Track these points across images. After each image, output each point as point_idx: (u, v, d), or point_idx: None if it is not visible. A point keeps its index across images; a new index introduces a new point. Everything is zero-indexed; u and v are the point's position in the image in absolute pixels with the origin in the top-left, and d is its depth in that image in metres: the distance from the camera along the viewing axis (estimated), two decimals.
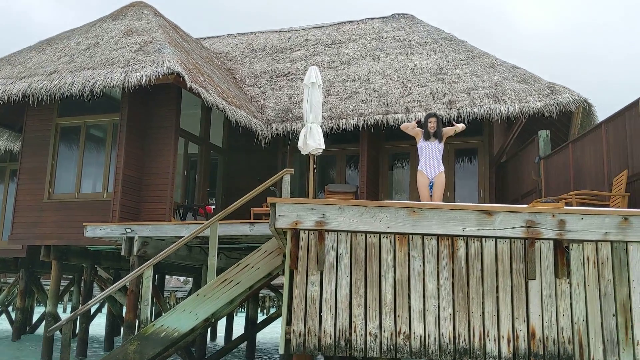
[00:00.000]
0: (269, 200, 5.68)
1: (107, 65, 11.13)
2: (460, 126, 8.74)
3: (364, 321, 5.52)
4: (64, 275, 16.14)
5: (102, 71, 10.93)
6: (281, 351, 5.48)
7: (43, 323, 17.23)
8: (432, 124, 8.58)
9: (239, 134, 13.15)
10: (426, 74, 13.64)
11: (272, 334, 21.13)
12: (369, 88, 13.63)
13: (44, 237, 12.06)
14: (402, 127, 8.93)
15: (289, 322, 5.49)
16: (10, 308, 20.95)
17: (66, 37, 13.11)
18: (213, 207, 13.71)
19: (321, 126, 10.74)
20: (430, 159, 8.55)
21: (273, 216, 5.61)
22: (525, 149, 12.41)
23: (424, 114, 11.06)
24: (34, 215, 12.16)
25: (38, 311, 21.03)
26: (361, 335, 5.50)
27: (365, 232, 5.70)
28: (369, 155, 13.35)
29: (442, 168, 8.62)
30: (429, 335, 5.50)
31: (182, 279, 76.13)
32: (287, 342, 5.44)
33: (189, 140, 13.12)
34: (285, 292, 5.61)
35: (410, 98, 12.86)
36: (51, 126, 12.36)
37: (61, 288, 16.89)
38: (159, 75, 10.56)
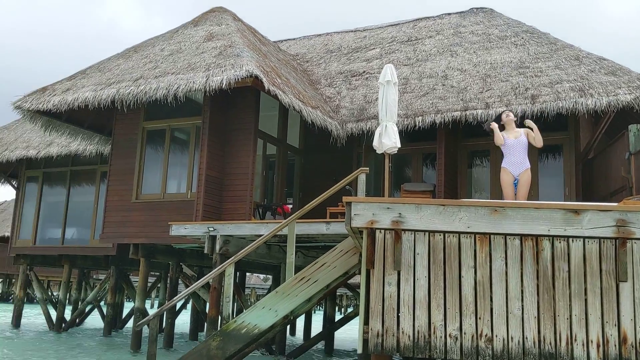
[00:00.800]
0: (345, 199, 5.69)
1: (189, 70, 11.53)
2: (530, 125, 8.49)
3: (443, 323, 5.42)
4: (151, 273, 16.92)
5: (185, 76, 11.34)
6: (359, 350, 5.48)
7: (132, 318, 18.12)
8: (506, 114, 8.36)
9: (315, 134, 13.27)
10: (507, 68, 13.21)
11: (350, 333, 21.16)
12: (447, 84, 13.37)
13: (132, 236, 12.66)
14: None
15: (366, 322, 5.48)
16: (102, 303, 22.15)
17: (151, 44, 13.70)
18: (290, 206, 13.92)
19: (397, 124, 10.64)
20: (516, 155, 8.29)
21: (349, 215, 5.62)
22: (614, 144, 11.74)
23: (504, 110, 10.72)
24: (122, 215, 12.80)
25: (127, 306, 22.09)
26: (441, 337, 5.40)
27: (444, 232, 5.60)
28: (447, 153, 13.09)
29: (529, 165, 8.34)
30: (512, 338, 5.32)
31: (262, 276, 77.72)
32: (365, 341, 5.43)
33: (267, 142, 13.37)
34: (362, 291, 5.60)
35: (490, 93, 12.50)
36: (138, 130, 12.96)
37: (148, 285, 17.69)
38: (238, 79, 10.83)
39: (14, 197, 19.48)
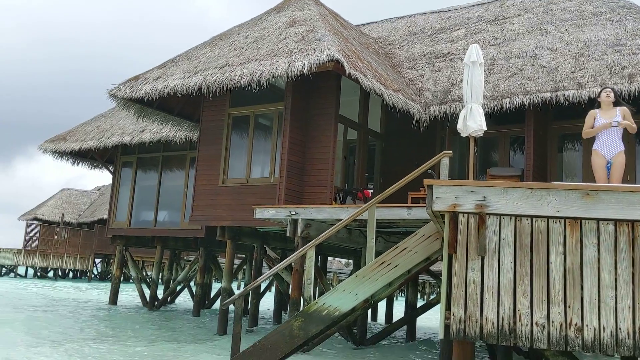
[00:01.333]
0: (426, 182, 5.59)
1: (272, 56, 11.71)
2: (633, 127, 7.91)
3: (529, 310, 5.23)
4: (237, 255, 17.48)
5: (268, 62, 11.53)
6: (441, 336, 5.41)
7: (219, 298, 18.82)
8: (607, 94, 7.85)
9: (396, 118, 13.11)
10: (601, 46, 12.44)
11: (432, 320, 20.92)
12: (536, 64, 12.79)
13: (219, 219, 13.11)
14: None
15: (448, 308, 5.39)
16: (191, 283, 23.15)
17: (235, 32, 14.02)
18: (371, 191, 13.88)
19: (482, 106, 10.31)
20: (609, 136, 7.81)
21: (430, 199, 5.52)
22: None
23: (598, 90, 10.12)
24: (210, 199, 13.27)
25: (215, 287, 22.97)
26: (527, 324, 5.22)
27: (532, 216, 5.38)
28: (536, 136, 12.54)
29: (622, 147, 7.83)
30: (604, 328, 5.06)
31: (343, 261, 78.24)
32: (447, 327, 5.35)
33: (348, 126, 13.37)
34: (444, 276, 5.51)
35: (583, 73, 11.84)
36: (224, 116, 13.34)
37: (235, 266, 18.29)
38: (319, 63, 10.87)
39: (111, 181, 20.65)
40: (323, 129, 12.22)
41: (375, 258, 8.01)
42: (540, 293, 5.24)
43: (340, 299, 7.59)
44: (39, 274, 43.75)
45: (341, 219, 9.45)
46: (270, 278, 16.31)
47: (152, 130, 17.33)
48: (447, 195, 5.49)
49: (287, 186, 11.91)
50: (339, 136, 12.71)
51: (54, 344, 10.33)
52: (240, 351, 7.79)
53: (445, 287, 5.47)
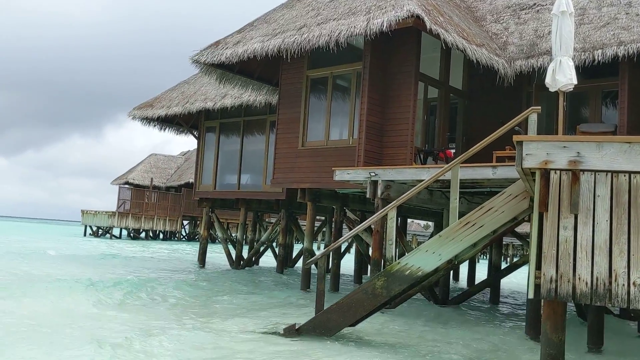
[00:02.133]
0: (515, 138, 5.38)
1: (350, 15, 11.53)
2: None
3: (626, 270, 4.99)
4: (317, 217, 17.69)
5: (346, 21, 11.37)
6: (530, 296, 5.28)
7: (301, 258, 19.25)
8: None
9: (479, 74, 12.66)
10: None
11: (515, 282, 20.48)
12: (631, 12, 11.88)
13: (300, 181, 13.29)
14: None
15: (538, 267, 5.23)
16: (274, 244, 23.78)
17: None
18: (453, 151, 13.57)
19: (572, 59, 9.73)
20: None
21: (519, 155, 5.32)
22: None
23: None
24: (290, 162, 13.45)
25: (296, 248, 23.48)
26: (623, 285, 4.99)
27: (629, 172, 5.08)
28: (631, 90, 11.75)
29: None
30: None
31: (422, 223, 77.64)
32: (537, 287, 5.20)
33: (429, 85, 13.05)
34: (534, 236, 5.33)
35: None
36: (302, 78, 13.37)
37: (315, 228, 18.57)
38: (399, 20, 10.60)
39: (195, 146, 21.37)
40: (403, 88, 11.99)
41: (458, 219, 7.88)
42: (638, 252, 4.98)
43: (424, 259, 7.55)
44: (131, 235, 46.40)
45: (422, 180, 9.32)
46: (350, 239, 16.46)
47: (233, 95, 17.67)
48: (538, 151, 5.26)
49: (366, 147, 11.86)
50: (419, 95, 12.44)
51: (153, 300, 10.96)
52: (324, 308, 7.96)
53: (535, 247, 5.30)
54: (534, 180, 5.46)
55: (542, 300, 5.39)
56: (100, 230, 46.08)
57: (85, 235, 46.36)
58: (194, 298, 11.55)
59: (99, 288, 11.52)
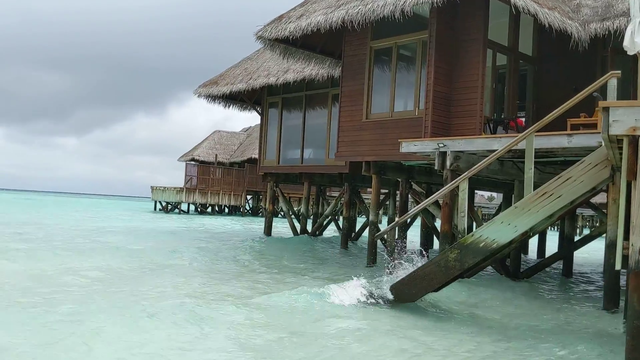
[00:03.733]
0: (601, 104, 5.13)
1: None
2: None
3: None
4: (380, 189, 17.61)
5: None
6: (617, 267, 5.09)
7: (365, 231, 19.28)
8: None
9: (551, 39, 12.10)
10: None
11: (587, 254, 19.81)
12: None
13: (364, 154, 13.22)
14: None
15: (626, 238, 5.01)
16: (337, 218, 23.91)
17: None
18: (523, 119, 13.13)
19: None
20: None
21: (606, 122, 5.06)
22: None
23: None
24: (354, 134, 13.38)
25: (359, 221, 23.53)
26: None
27: None
28: None
29: None
30: None
31: (486, 195, 76.06)
32: (625, 258, 5.00)
33: (497, 52, 12.60)
34: (621, 205, 5.11)
35: None
36: (366, 50, 13.20)
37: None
38: None
39: (257, 122, 21.62)
40: (470, 55, 11.65)
41: (532, 189, 7.65)
42: None
43: (498, 231, 7.39)
44: (199, 209, 47.76)
45: (493, 150, 9.08)
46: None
47: (296, 69, 17.68)
48: (625, 117, 4.99)
49: (433, 118, 11.65)
50: (487, 62, 12.05)
51: (228, 267, 11.28)
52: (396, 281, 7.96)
53: (622, 216, 5.08)
54: (620, 148, 5.20)
55: (628, 272, 5.17)
56: (169, 205, 47.64)
57: (155, 210, 48.05)
58: (266, 267, 11.81)
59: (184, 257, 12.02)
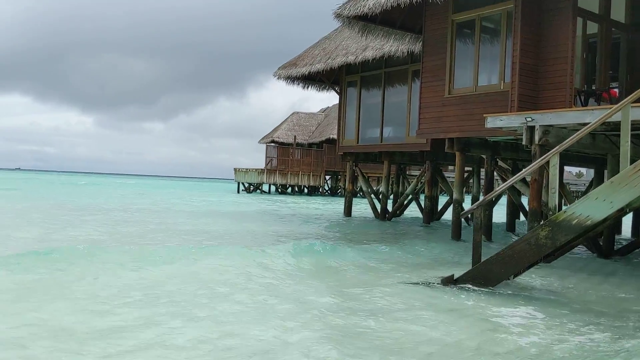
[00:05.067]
0: None
1: None
2: None
3: None
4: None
5: None
6: None
7: (448, 209, 18.98)
8: None
9: None
10: None
11: None
12: None
13: (447, 131, 12.98)
14: None
15: None
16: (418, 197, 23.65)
17: None
18: (617, 90, 12.41)
19: None
20: None
21: None
22: None
23: None
24: (436, 111, 13.15)
25: (441, 200, 23.16)
26: None
27: None
28: None
29: None
30: None
31: (574, 171, 72.66)
32: None
33: (587, 20, 11.94)
34: None
35: None
36: (447, 23, 12.88)
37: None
38: None
39: (335, 102, 21.65)
40: (559, 25, 11.11)
41: (629, 164, 7.25)
42: None
43: (593, 207, 7.08)
44: (279, 190, 48.71)
45: (585, 124, 8.66)
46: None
47: (374, 47, 17.53)
48: None
49: (520, 91, 11.24)
50: (577, 31, 11.45)
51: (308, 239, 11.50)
52: (482, 260, 7.81)
53: None
54: None
55: None
56: (251, 186, 48.85)
57: (238, 191, 49.43)
58: (348, 242, 11.92)
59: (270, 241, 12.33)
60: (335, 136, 21.74)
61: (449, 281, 7.80)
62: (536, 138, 9.66)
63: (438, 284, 7.89)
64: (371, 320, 5.85)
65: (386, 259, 10.21)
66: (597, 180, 14.86)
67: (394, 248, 11.51)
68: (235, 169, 49.03)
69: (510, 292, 7.53)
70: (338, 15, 13.65)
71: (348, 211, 20.77)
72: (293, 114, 53.07)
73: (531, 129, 9.77)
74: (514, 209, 16.21)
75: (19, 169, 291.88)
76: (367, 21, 14.21)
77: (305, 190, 50.25)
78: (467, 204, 16.53)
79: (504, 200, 17.95)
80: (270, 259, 9.16)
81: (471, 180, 20.53)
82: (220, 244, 11.35)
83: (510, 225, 16.07)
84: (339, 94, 20.49)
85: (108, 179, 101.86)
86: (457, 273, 7.91)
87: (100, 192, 40.78)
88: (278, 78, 20.99)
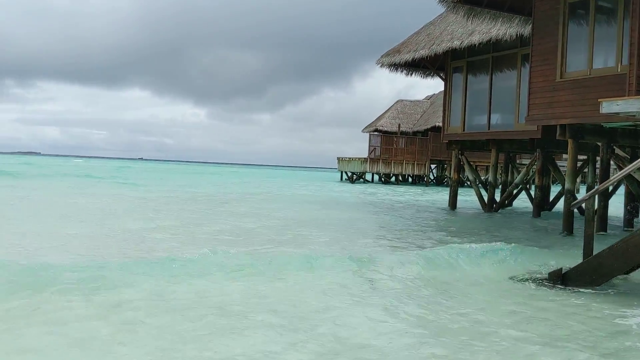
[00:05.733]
0: None
1: None
2: None
3: None
4: (577, 156, 16.23)
5: None
6: None
7: (560, 200, 18.02)
8: None
9: None
10: None
11: None
12: None
13: (559, 117, 12.31)
14: None
15: None
16: (528, 186, 22.64)
17: None
18: None
19: None
20: None
21: None
22: None
23: None
24: (547, 96, 12.50)
25: (553, 190, 22.03)
26: None
27: None
28: None
29: None
30: None
31: None
32: None
33: None
34: None
35: None
36: (559, 3, 12.17)
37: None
38: None
39: (441, 89, 21.16)
40: None
41: None
42: None
43: None
44: (382, 179, 48.58)
45: None
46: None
47: (481, 31, 16.92)
48: None
49: (639, 74, 10.40)
50: None
51: (407, 238, 11.44)
52: (594, 253, 7.37)
53: None
54: None
55: None
56: (354, 175, 49.14)
57: (342, 180, 49.94)
58: (446, 237, 11.71)
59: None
60: (441, 124, 21.26)
61: (556, 275, 7.44)
62: None
63: (545, 278, 7.54)
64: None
65: (488, 252, 9.89)
66: None
67: (495, 241, 11.11)
68: (338, 159, 49.49)
69: (623, 290, 7.05)
70: (442, 1, 13.33)
71: (453, 203, 20.25)
72: (397, 101, 52.57)
73: None
74: (632, 201, 15.08)
75: (142, 159, 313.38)
76: (472, 4, 13.76)
77: (410, 179, 49.74)
78: (582, 195, 15.58)
79: (622, 191, 16.72)
80: (387, 270, 8.46)
81: (586, 169, 19.33)
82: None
83: (629, 219, 14.96)
84: (444, 80, 20.03)
85: (224, 169, 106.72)
86: (567, 267, 7.52)
87: (223, 181, 42.98)
88: (381, 66, 20.87)
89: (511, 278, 7.74)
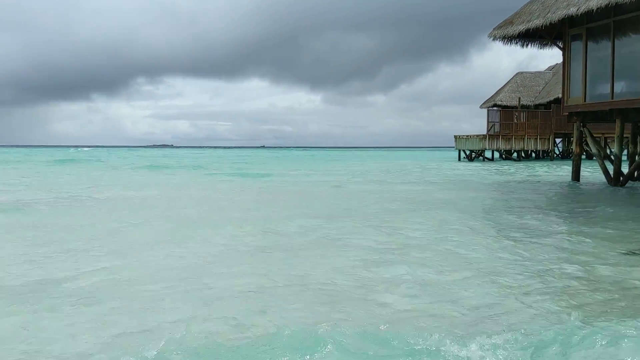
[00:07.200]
0: None
1: None
2: None
3: None
4: None
5: None
6: None
7: None
8: None
9: None
10: None
11: None
12: None
13: None
14: None
15: None
16: None
17: None
18: None
19: None
20: None
21: None
22: None
23: None
24: None
25: None
26: None
27: None
28: None
29: None
30: None
31: None
32: None
33: None
34: None
35: None
36: None
37: None
38: None
39: (561, 58, 20.09)
40: None
41: None
42: None
43: None
44: (503, 156, 46.90)
45: None
46: None
47: None
48: None
49: None
50: None
51: (520, 215, 11.27)
52: None
53: None
54: None
55: None
56: (473, 153, 47.89)
57: (459, 159, 48.88)
58: (568, 218, 11.36)
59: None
60: (560, 95, 20.31)
61: None
62: None
63: None
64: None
65: (607, 231, 9.53)
66: None
67: (625, 219, 10.60)
68: (455, 137, 48.45)
69: None
70: None
71: (576, 176, 19.34)
72: (517, 74, 50.31)
73: None
74: None
75: (264, 146, 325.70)
76: None
77: (533, 155, 47.60)
78: None
79: None
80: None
81: None
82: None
83: None
84: (562, 49, 19.05)
85: (343, 153, 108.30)
86: None
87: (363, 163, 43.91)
88: (493, 39, 20.21)
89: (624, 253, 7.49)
